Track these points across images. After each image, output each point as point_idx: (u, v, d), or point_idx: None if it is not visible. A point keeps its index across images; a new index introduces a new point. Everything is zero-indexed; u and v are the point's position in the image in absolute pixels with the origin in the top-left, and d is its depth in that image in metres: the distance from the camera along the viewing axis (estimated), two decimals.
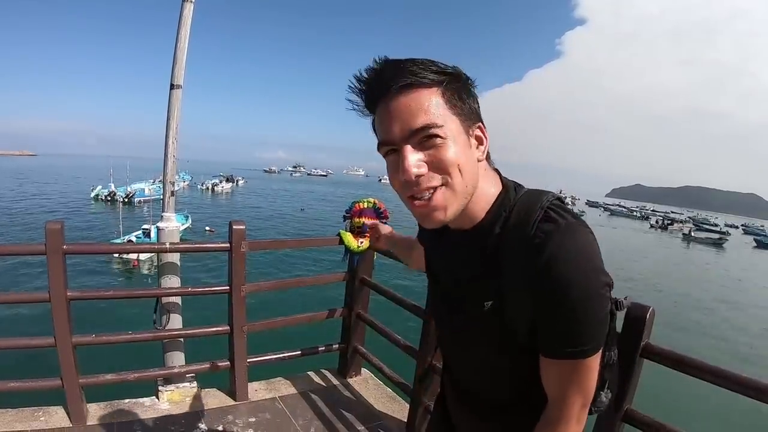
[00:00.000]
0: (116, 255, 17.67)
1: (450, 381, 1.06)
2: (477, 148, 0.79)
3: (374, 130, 0.80)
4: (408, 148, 0.73)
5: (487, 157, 0.84)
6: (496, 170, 0.87)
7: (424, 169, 0.73)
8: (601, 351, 0.76)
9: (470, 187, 0.77)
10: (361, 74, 0.75)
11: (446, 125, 0.73)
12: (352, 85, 0.77)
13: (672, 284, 24.48)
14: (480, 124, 0.80)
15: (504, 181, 0.85)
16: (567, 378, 0.75)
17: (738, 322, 18.13)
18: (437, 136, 0.72)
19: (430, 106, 0.72)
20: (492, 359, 0.87)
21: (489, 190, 0.82)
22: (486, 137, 0.81)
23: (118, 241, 19.18)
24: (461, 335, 0.92)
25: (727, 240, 55.49)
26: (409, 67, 0.72)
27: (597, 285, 0.71)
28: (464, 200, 0.77)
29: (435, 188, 0.75)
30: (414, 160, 0.73)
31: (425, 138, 0.72)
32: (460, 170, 0.74)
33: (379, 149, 0.79)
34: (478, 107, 0.81)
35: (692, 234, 57.38)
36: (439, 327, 1.03)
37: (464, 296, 0.86)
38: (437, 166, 0.73)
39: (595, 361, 0.75)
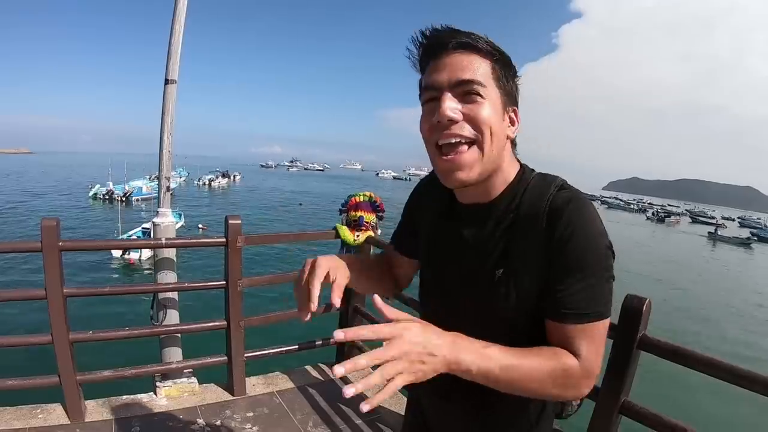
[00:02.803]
0: (117, 256, 17.61)
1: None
2: (509, 126, 0.84)
3: (420, 87, 0.85)
4: (449, 94, 0.78)
5: (513, 145, 0.88)
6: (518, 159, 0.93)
7: (458, 116, 0.77)
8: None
9: (496, 155, 0.81)
10: (426, 29, 0.80)
11: (489, 89, 0.78)
12: (415, 37, 0.81)
13: None
14: (516, 108, 0.85)
15: (522, 164, 0.90)
16: (583, 341, 0.77)
17: None
18: (478, 93, 0.77)
19: (480, 68, 0.78)
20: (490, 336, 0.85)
21: (509, 170, 0.87)
22: (518, 121, 0.85)
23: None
24: (462, 319, 0.88)
25: (755, 239, 53.46)
26: (470, 33, 0.78)
27: (608, 247, 0.78)
28: (488, 166, 0.81)
29: (463, 140, 0.78)
30: (452, 105, 0.77)
31: (467, 92, 0.77)
32: (491, 133, 0.78)
33: (420, 96, 0.83)
34: (518, 95, 0.86)
35: (718, 233, 54.82)
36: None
37: (474, 270, 0.87)
38: (472, 120, 0.77)
39: (606, 326, 0.79)
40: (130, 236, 20.18)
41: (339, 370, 0.59)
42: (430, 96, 0.81)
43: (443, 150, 0.80)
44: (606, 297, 0.78)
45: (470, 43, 0.78)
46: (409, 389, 1.13)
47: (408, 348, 0.65)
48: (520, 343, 0.78)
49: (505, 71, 0.81)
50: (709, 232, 56.57)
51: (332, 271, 0.85)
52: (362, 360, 0.61)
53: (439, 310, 0.97)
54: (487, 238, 0.86)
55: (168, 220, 2.89)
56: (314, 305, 0.80)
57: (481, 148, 0.79)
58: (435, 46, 0.80)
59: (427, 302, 1.04)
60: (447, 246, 0.94)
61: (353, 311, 3.19)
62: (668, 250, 39.54)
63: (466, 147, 0.79)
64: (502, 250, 0.84)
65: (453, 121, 0.77)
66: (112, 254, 17.72)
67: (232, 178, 69.76)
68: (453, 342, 0.70)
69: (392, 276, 1.14)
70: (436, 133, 0.80)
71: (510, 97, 0.83)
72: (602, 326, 0.78)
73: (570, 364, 0.76)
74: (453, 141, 0.78)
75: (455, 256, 0.92)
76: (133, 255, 17.54)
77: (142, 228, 20.86)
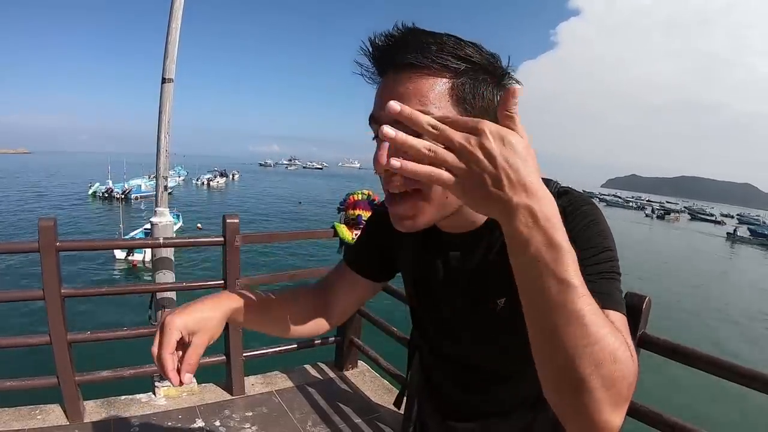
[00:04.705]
0: (120, 258, 17.44)
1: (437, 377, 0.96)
2: None
3: None
4: None
5: None
6: None
7: (398, 164, 0.58)
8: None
9: (453, 199, 0.66)
10: (375, 37, 0.64)
11: None
12: (364, 47, 0.65)
13: None
14: None
15: None
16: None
17: None
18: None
19: (431, 96, 0.61)
20: (493, 365, 0.82)
21: None
22: None
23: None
24: (461, 348, 0.85)
25: None
26: (424, 44, 0.62)
27: (613, 248, 0.67)
28: (442, 211, 0.68)
29: (405, 193, 0.65)
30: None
31: (411, 133, 0.57)
32: None
33: (369, 123, 0.68)
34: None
35: (737, 233, 52.12)
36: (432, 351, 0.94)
37: (471, 302, 0.78)
38: None
39: (626, 326, 0.63)
40: (133, 237, 19.99)
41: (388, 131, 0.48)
42: (375, 131, 0.66)
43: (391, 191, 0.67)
44: (615, 289, 0.66)
45: (415, 64, 0.61)
46: (413, 410, 1.04)
47: (488, 146, 0.47)
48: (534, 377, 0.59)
49: (475, 84, 0.64)
50: (728, 233, 54.40)
51: (189, 331, 0.71)
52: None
53: (434, 338, 0.92)
54: (481, 266, 0.77)
55: (166, 220, 2.89)
56: (174, 379, 0.67)
57: (428, 198, 0.64)
58: (379, 65, 0.66)
59: (422, 332, 0.96)
60: (437, 281, 0.84)
61: None
62: (699, 259, 35.17)
63: (413, 194, 0.65)
64: (500, 277, 0.70)
65: (392, 173, 0.63)
66: (115, 256, 17.51)
67: (230, 177, 69.75)
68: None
69: (321, 310, 0.96)
70: (383, 180, 0.66)
71: (483, 116, 0.62)
72: (623, 322, 0.63)
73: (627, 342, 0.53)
74: (397, 192, 0.65)
75: (448, 290, 0.82)
76: (137, 256, 17.12)
77: (144, 229, 20.69)
